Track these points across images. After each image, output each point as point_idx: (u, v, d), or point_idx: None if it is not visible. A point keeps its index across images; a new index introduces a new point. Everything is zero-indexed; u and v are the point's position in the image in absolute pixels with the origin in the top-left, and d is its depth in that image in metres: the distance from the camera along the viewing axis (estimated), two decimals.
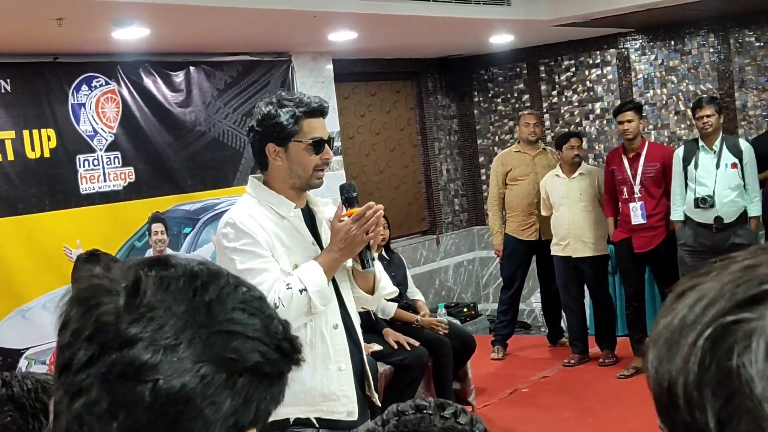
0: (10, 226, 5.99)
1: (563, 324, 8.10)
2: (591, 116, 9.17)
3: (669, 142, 8.81)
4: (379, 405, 3.20)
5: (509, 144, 9.06)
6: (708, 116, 6.49)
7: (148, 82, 6.84)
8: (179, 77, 7.05)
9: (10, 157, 6.02)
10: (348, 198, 3.14)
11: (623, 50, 9.06)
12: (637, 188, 6.84)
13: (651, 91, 8.94)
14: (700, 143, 6.59)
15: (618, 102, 8.87)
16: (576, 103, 9.37)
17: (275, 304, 2.97)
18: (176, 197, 6.97)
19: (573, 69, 9.36)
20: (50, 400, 1.04)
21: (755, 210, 6.50)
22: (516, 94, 9.72)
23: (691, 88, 8.70)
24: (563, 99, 9.45)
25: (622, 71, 9.09)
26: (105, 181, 6.55)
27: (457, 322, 7.13)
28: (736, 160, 6.51)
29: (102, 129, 6.55)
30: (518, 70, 9.68)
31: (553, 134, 9.23)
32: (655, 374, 0.83)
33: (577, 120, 9.35)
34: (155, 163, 6.85)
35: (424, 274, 9.26)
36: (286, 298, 2.96)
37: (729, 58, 8.53)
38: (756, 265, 0.80)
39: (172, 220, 6.82)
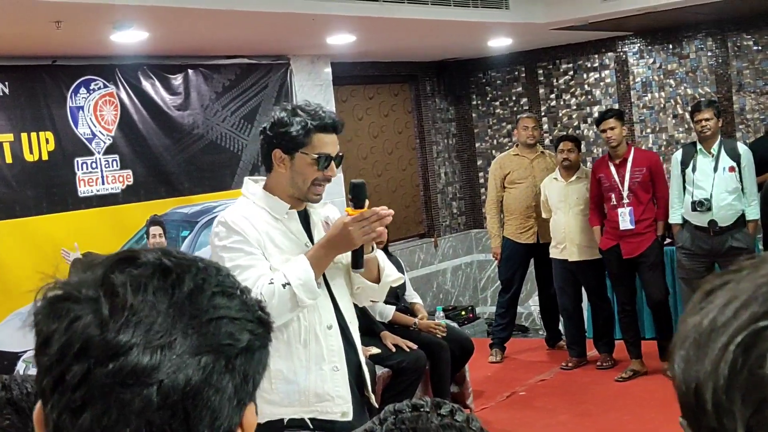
0: (8, 229, 5.99)
1: (561, 327, 8.10)
2: (589, 120, 9.17)
3: (667, 145, 8.82)
4: (377, 406, 3.20)
5: (507, 147, 9.07)
6: (707, 119, 6.50)
7: (146, 85, 6.84)
8: (177, 80, 7.05)
9: (8, 159, 6.02)
10: (356, 197, 3.14)
11: (621, 54, 9.07)
12: (625, 194, 6.85)
13: (649, 95, 8.95)
14: (699, 146, 6.60)
15: (616, 105, 8.90)
16: (574, 107, 9.38)
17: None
18: (174, 200, 6.97)
19: (571, 72, 9.37)
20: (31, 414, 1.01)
21: (753, 213, 6.51)
22: (514, 98, 9.73)
23: (689, 91, 8.71)
24: (561, 102, 9.46)
25: (620, 75, 9.10)
26: (103, 183, 6.55)
27: (455, 325, 7.13)
28: (734, 164, 6.51)
29: (100, 132, 6.55)
30: (516, 73, 9.69)
31: (551, 138, 9.23)
32: (681, 376, 0.82)
33: (576, 123, 9.35)
34: (153, 166, 6.85)
35: (422, 277, 9.26)
36: (268, 294, 2.95)
37: (727, 61, 8.54)
38: None
39: (170, 223, 6.81)
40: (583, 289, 7.55)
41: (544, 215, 7.59)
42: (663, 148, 8.84)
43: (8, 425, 1.50)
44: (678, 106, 8.80)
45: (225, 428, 0.96)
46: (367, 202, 3.13)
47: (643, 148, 8.66)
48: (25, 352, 5.95)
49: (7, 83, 6.04)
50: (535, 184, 7.78)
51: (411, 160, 9.68)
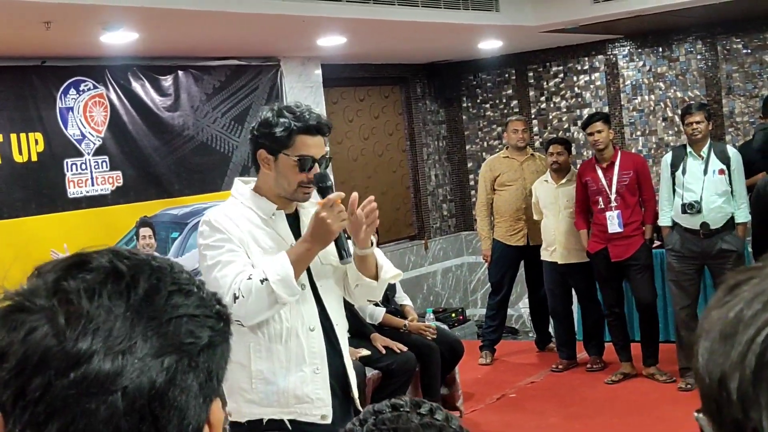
0: None
1: (551, 329, 8.10)
2: (579, 122, 9.17)
3: (657, 148, 8.84)
4: (361, 409, 3.19)
5: (497, 149, 9.07)
6: (697, 122, 6.52)
7: (136, 86, 6.82)
8: (167, 81, 7.04)
9: None
10: (322, 188, 3.09)
11: (611, 56, 9.09)
12: (613, 197, 6.86)
13: (639, 98, 8.97)
14: (688, 149, 6.61)
15: (606, 108, 8.92)
16: (564, 109, 9.39)
17: (235, 295, 2.96)
18: (164, 201, 6.96)
19: (561, 75, 9.39)
20: None
21: (742, 216, 6.52)
22: (504, 100, 9.74)
23: (679, 94, 8.73)
24: (551, 105, 9.47)
25: (610, 77, 9.11)
26: (93, 185, 6.53)
27: (445, 327, 7.13)
28: (724, 167, 6.53)
29: (90, 133, 6.53)
30: (507, 75, 9.70)
31: (541, 140, 9.25)
32: (705, 367, 0.81)
33: (566, 126, 9.37)
34: (143, 167, 6.83)
35: (412, 279, 9.26)
36: (246, 289, 2.94)
37: (716, 64, 8.56)
38: None
39: (159, 225, 6.80)
40: (573, 291, 7.57)
41: (535, 217, 7.60)
42: (653, 151, 8.86)
43: None
44: (668, 109, 8.82)
45: (193, 426, 0.96)
46: (333, 190, 3.08)
47: (633, 151, 8.68)
48: None
49: None
50: (525, 187, 7.79)
51: (401, 162, 9.68)
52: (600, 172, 6.95)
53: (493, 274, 8.06)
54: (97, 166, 6.56)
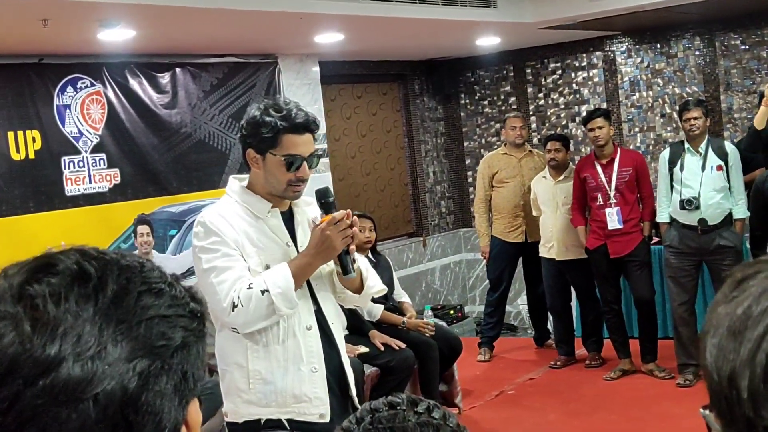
0: None
1: (550, 326, 8.10)
2: (577, 119, 9.18)
3: (655, 144, 8.84)
4: (359, 407, 3.17)
5: (496, 146, 9.07)
6: (695, 118, 6.51)
7: (133, 83, 6.81)
8: (165, 79, 7.03)
9: None
10: (324, 203, 3.09)
11: (609, 53, 9.09)
12: (612, 194, 6.86)
13: (637, 94, 8.97)
14: (686, 145, 6.61)
15: (604, 104, 8.91)
16: (562, 106, 9.39)
17: (234, 303, 2.95)
18: (162, 199, 6.95)
19: (559, 71, 9.38)
20: None
21: (740, 212, 6.52)
22: (502, 97, 9.73)
23: (677, 90, 8.73)
24: (550, 101, 9.46)
25: (608, 74, 9.11)
26: (90, 182, 6.53)
27: (443, 324, 7.13)
28: (722, 163, 6.52)
29: (87, 130, 6.53)
30: (505, 72, 9.70)
31: (539, 137, 9.24)
32: (714, 364, 0.81)
33: (564, 122, 9.36)
34: (141, 164, 6.82)
35: (411, 276, 9.25)
36: (246, 298, 2.94)
37: (715, 60, 8.56)
38: None
39: (157, 222, 6.80)
40: (571, 287, 7.56)
41: (534, 213, 7.60)
42: (651, 147, 8.86)
43: None
44: (666, 105, 8.82)
45: (170, 429, 0.93)
46: (335, 205, 3.09)
47: (631, 147, 8.68)
48: None
49: None
50: (524, 183, 7.79)
51: (399, 159, 9.68)
52: (599, 169, 6.94)
53: (492, 270, 8.06)
54: (94, 164, 6.56)
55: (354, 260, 3.11)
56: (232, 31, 6.30)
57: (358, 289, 3.22)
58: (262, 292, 2.94)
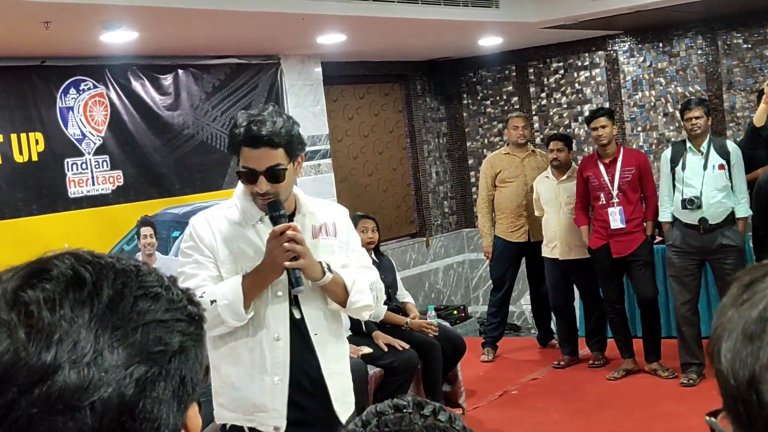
0: None
1: (553, 326, 8.10)
2: (580, 118, 9.18)
3: (657, 143, 8.84)
4: (342, 423, 3.12)
5: (498, 146, 9.07)
6: (696, 118, 6.51)
7: (136, 85, 6.82)
8: (167, 80, 7.04)
9: None
10: (273, 217, 3.02)
11: (612, 52, 9.08)
12: (615, 193, 6.86)
13: (639, 93, 8.97)
14: (688, 144, 6.61)
15: (607, 104, 8.91)
16: (565, 105, 9.39)
17: None
18: (165, 201, 6.95)
19: (562, 71, 9.38)
20: None
21: (743, 211, 6.52)
22: (505, 97, 9.73)
23: (680, 89, 8.73)
24: (552, 101, 9.46)
25: (610, 73, 9.11)
26: (93, 184, 6.53)
27: (446, 324, 7.13)
28: (724, 162, 6.52)
29: (90, 132, 6.53)
30: (507, 72, 9.70)
31: (542, 136, 9.24)
32: (730, 368, 0.79)
33: (566, 122, 9.36)
34: (144, 166, 6.83)
35: (414, 276, 9.26)
36: None
37: (717, 59, 8.55)
38: None
39: (160, 224, 6.80)
40: (574, 287, 7.56)
41: (536, 213, 7.60)
42: (653, 147, 8.85)
43: None
44: (668, 104, 8.81)
45: None
46: (285, 219, 3.01)
47: (634, 146, 8.68)
48: None
49: None
50: (526, 183, 7.79)
51: (402, 159, 9.68)
52: (602, 168, 6.93)
53: (495, 270, 8.06)
54: (97, 166, 6.56)
55: (299, 276, 3.00)
56: (234, 33, 6.30)
57: (343, 301, 3.14)
58: (211, 302, 2.93)
